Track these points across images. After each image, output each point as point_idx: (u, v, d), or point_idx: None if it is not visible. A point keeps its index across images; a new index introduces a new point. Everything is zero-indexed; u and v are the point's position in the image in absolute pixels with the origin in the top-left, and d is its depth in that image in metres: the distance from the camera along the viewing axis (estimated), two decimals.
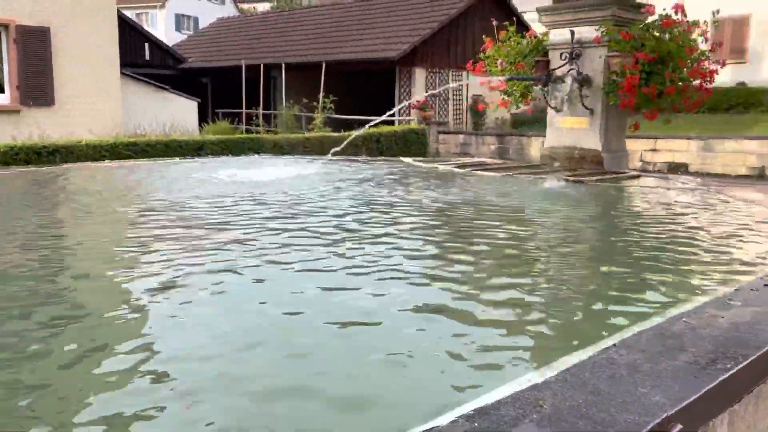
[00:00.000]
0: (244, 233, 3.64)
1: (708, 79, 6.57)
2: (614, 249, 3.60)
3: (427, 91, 21.18)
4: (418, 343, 2.14)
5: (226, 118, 17.22)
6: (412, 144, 13.51)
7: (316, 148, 11.43)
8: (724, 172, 14.39)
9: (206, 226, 3.94)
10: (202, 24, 39.57)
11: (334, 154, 7.39)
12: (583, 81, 6.93)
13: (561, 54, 7.08)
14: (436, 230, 4.02)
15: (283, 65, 18.42)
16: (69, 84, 14.09)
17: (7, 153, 8.27)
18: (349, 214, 4.29)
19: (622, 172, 6.68)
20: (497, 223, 4.09)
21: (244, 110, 18.24)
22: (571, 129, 7.25)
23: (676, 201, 5.07)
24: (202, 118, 19.04)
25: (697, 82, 6.57)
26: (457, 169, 6.86)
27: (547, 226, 4.26)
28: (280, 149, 10.89)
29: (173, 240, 3.57)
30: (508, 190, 5.57)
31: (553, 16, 7.27)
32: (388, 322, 2.31)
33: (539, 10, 7.41)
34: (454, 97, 22.01)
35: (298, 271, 2.95)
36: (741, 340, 1.91)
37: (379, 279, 2.80)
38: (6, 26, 13.35)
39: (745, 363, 1.74)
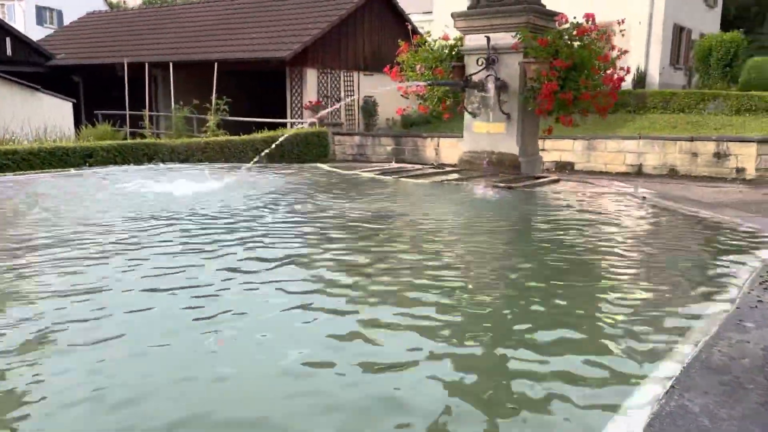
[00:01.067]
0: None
1: (617, 85, 6.85)
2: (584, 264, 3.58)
3: (319, 92, 20.89)
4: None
5: (106, 121, 15.93)
6: (314, 147, 13.19)
7: (217, 154, 10.82)
8: (607, 170, 15.36)
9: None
10: (67, 17, 36.54)
11: (256, 162, 6.97)
12: (501, 87, 7.00)
13: (477, 59, 7.11)
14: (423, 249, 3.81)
15: (171, 64, 17.33)
16: None
17: None
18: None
19: (542, 176, 6.81)
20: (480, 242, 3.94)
21: (127, 112, 16.97)
22: (488, 134, 7.30)
23: (619, 208, 5.21)
24: (76, 121, 17.51)
25: (607, 87, 6.82)
26: (381, 176, 6.68)
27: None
28: (178, 156, 10.17)
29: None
30: (452, 199, 5.47)
31: (468, 22, 7.29)
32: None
33: (454, 15, 7.40)
34: (347, 97, 21.86)
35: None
36: None
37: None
38: None
39: None
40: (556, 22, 7.03)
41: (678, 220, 4.71)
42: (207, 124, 14.61)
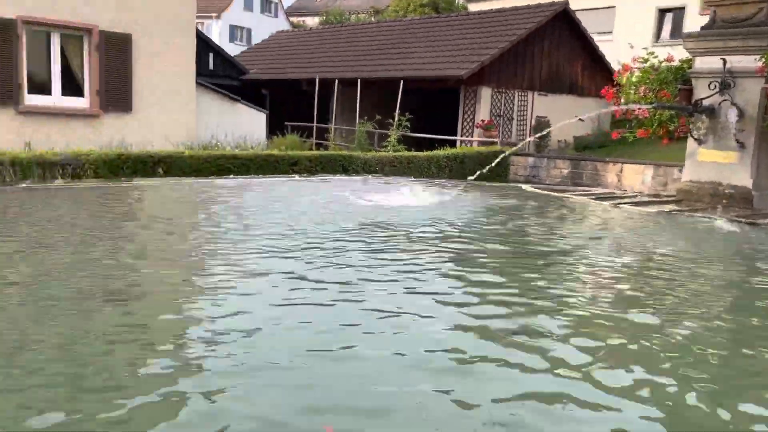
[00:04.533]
0: None
1: None
2: None
3: (491, 111, 20.76)
4: None
5: (294, 132, 17.05)
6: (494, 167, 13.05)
7: (404, 168, 11.07)
8: None
9: None
10: (255, 36, 39.88)
11: (476, 179, 7.04)
12: (738, 113, 6.44)
13: (710, 83, 6.61)
14: None
15: (359, 81, 18.19)
16: (146, 91, 14.02)
17: (115, 162, 8.05)
18: None
19: None
20: None
21: (315, 124, 18.05)
22: (715, 163, 6.74)
23: None
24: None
25: None
26: (597, 201, 6.40)
27: None
28: (369, 168, 10.55)
29: None
30: (698, 237, 5.10)
31: (700, 43, 6.81)
32: None
33: (684, 36, 6.96)
34: (519, 117, 21.55)
35: None
36: None
37: None
38: (89, 31, 13.34)
39: None
40: None
41: None
42: (388, 139, 15.07)
